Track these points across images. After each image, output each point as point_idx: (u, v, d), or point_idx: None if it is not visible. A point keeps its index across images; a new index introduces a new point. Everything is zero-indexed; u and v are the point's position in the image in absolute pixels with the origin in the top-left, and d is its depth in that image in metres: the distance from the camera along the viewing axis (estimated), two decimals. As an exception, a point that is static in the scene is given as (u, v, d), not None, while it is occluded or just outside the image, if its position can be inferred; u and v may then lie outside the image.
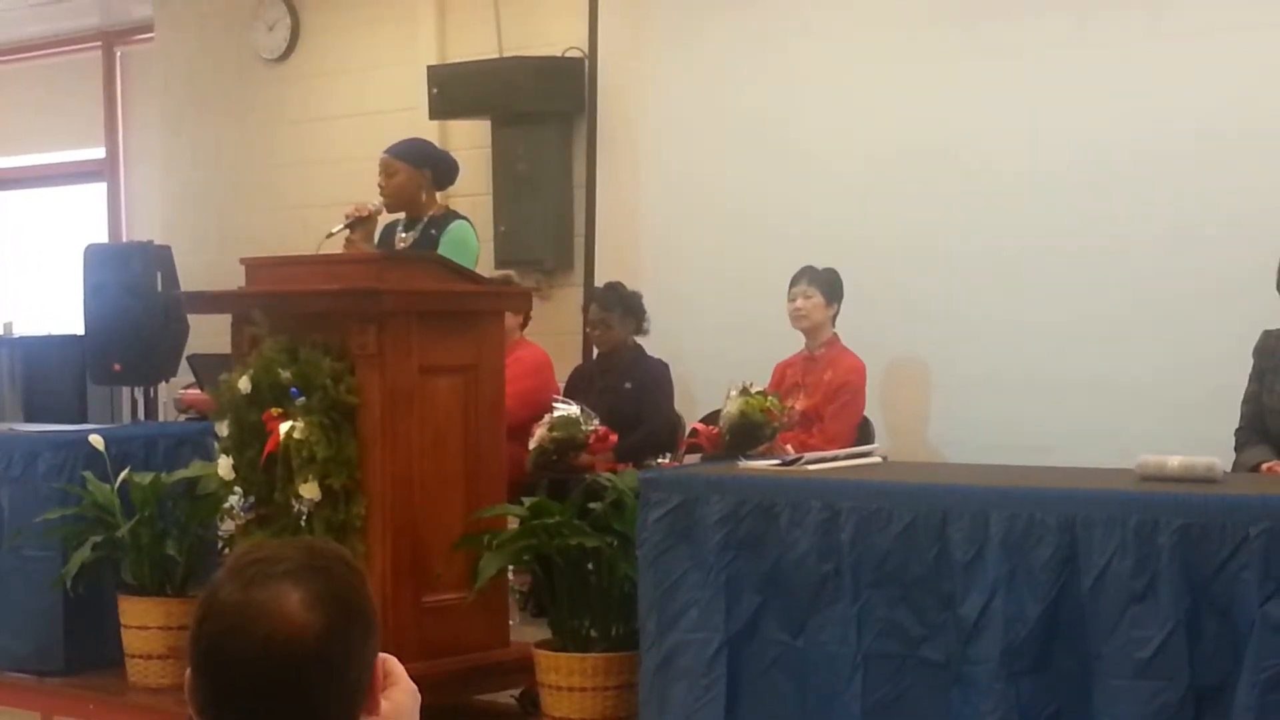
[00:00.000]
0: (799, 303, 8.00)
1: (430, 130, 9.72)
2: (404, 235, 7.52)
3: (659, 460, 7.62)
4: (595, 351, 9.03)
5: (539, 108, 9.96)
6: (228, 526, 7.04)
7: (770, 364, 8.13)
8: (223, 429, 6.67)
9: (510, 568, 6.77)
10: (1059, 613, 4.92)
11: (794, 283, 8.03)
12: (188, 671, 2.11)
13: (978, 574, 5.04)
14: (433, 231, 7.42)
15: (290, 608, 2.05)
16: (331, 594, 2.08)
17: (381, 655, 2.18)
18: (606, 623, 6.29)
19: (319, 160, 11.18)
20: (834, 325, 8.05)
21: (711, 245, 9.23)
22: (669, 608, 5.69)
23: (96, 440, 7.65)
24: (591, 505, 6.37)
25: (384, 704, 2.18)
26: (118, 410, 11.70)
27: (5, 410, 11.66)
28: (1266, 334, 6.57)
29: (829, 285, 8.02)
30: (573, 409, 7.98)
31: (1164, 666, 4.71)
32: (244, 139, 11.73)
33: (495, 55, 10.20)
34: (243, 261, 7.07)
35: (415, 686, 2.25)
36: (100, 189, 13.34)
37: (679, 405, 8.64)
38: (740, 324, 8.73)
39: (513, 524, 6.61)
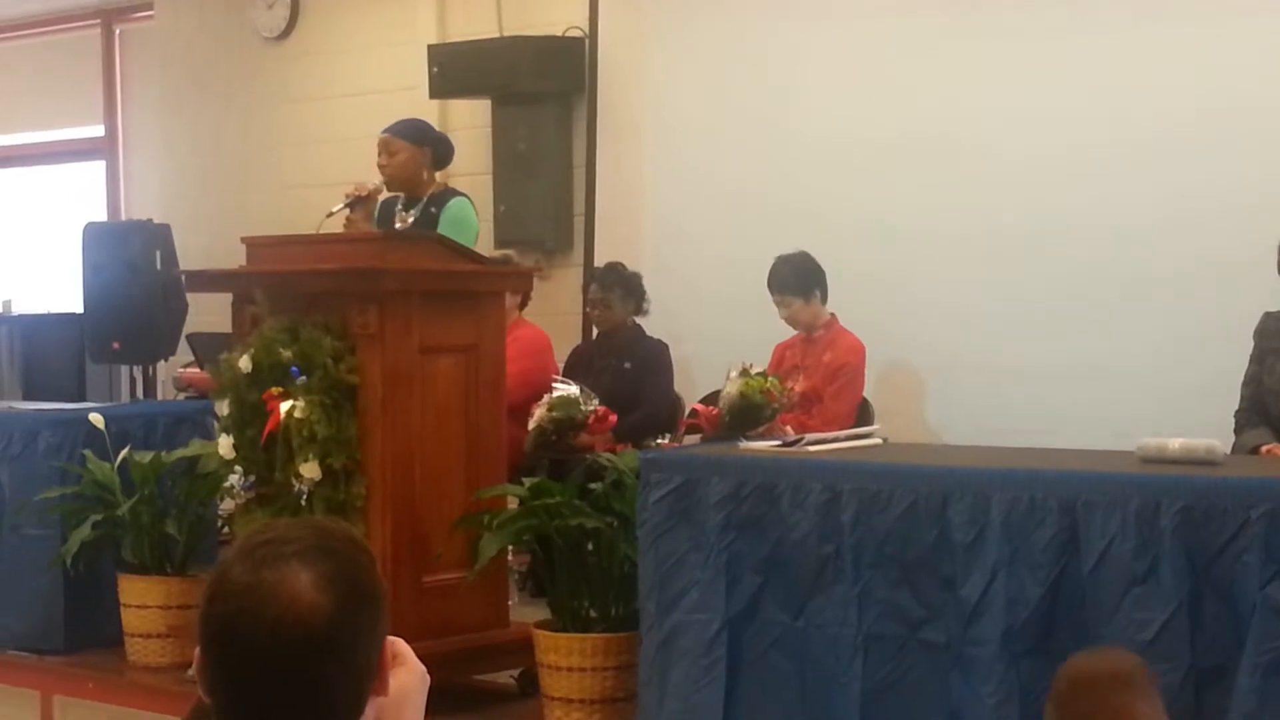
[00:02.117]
0: (782, 312, 8.01)
1: (430, 109, 9.72)
2: (404, 214, 7.52)
3: (658, 441, 7.62)
4: (595, 332, 9.03)
5: (539, 87, 9.95)
6: (228, 505, 7.05)
7: (769, 345, 8.13)
8: (223, 408, 6.67)
9: (509, 548, 6.77)
10: (1060, 595, 4.92)
11: (770, 291, 8.01)
12: (197, 651, 2.12)
13: (979, 556, 5.04)
14: (433, 209, 7.42)
15: (301, 589, 2.05)
16: (342, 576, 2.09)
17: (389, 637, 2.19)
18: (606, 603, 6.30)
19: (319, 139, 11.17)
20: (825, 306, 8.02)
21: (711, 226, 9.23)
22: (669, 588, 5.69)
23: (96, 419, 7.66)
24: (591, 486, 6.38)
25: (391, 684, 2.18)
26: (116, 389, 11.70)
27: (4, 388, 11.66)
28: (1267, 315, 6.57)
29: (800, 283, 7.94)
30: (572, 389, 7.97)
31: (1165, 648, 4.70)
32: (243, 118, 11.72)
33: (496, 35, 10.18)
34: (244, 241, 7.07)
35: (424, 668, 2.26)
36: (99, 167, 13.34)
37: (678, 386, 8.64)
38: (740, 305, 8.72)
39: (513, 504, 6.61)
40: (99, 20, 13.18)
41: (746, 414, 7.44)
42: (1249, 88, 7.67)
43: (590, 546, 6.31)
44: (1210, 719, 4.68)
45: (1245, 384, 6.55)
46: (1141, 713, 3.56)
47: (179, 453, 7.51)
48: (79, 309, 11.33)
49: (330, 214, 7.34)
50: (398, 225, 7.44)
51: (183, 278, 8.87)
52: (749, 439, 6.47)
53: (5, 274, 13.89)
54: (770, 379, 7.58)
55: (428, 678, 2.26)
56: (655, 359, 8.55)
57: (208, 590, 2.11)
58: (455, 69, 10.04)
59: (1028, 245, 8.16)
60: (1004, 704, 4.96)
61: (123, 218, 12.64)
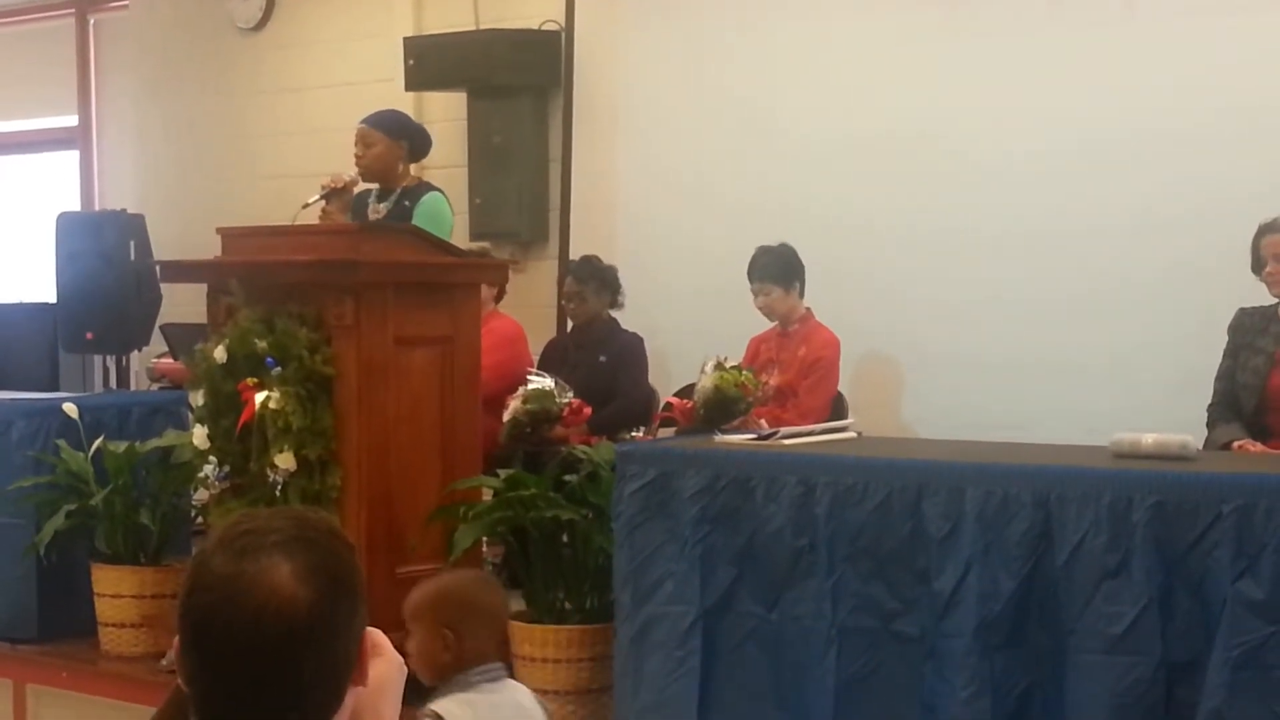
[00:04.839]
0: (759, 301, 8.01)
1: (406, 102, 9.71)
2: (378, 206, 7.52)
3: (633, 434, 7.63)
4: (570, 325, 9.03)
5: (515, 80, 9.94)
6: (202, 496, 7.04)
7: (744, 338, 8.14)
8: (198, 398, 6.67)
9: (484, 539, 6.78)
10: (1033, 588, 4.95)
11: (750, 279, 8.02)
12: (176, 640, 2.12)
13: (952, 549, 5.06)
14: (406, 203, 7.42)
15: (281, 580, 2.05)
16: (322, 567, 2.08)
17: (368, 628, 2.19)
18: (581, 595, 6.31)
19: (294, 130, 11.16)
20: (803, 299, 8.03)
21: (687, 220, 9.24)
22: (644, 580, 5.70)
23: (70, 408, 7.64)
24: (567, 478, 6.38)
25: (370, 675, 2.19)
26: (89, 379, 11.66)
27: (-23, 378, 11.62)
28: (1241, 311, 6.61)
29: (781, 272, 7.97)
30: (547, 382, 7.97)
31: (1137, 642, 4.74)
32: (219, 108, 11.69)
33: (472, 27, 10.18)
34: (219, 231, 7.06)
35: (401, 659, 2.26)
36: (73, 157, 13.28)
37: (653, 379, 8.64)
38: (715, 298, 8.73)
39: (487, 496, 6.62)
40: (73, 9, 13.13)
41: (721, 407, 7.44)
42: (1224, 87, 7.69)
43: (565, 538, 6.32)
44: (1180, 713, 4.71)
45: (1218, 379, 6.59)
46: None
47: (153, 443, 7.49)
48: (52, 299, 11.29)
49: (306, 205, 7.34)
50: (371, 217, 7.45)
51: (157, 268, 8.85)
52: (724, 432, 6.49)
53: (-22, 263, 13.85)
54: (745, 373, 7.59)
55: (405, 669, 2.27)
56: (630, 352, 8.55)
57: (187, 580, 2.10)
58: (431, 61, 10.03)
59: (1003, 241, 8.17)
60: (977, 696, 4.99)
61: (97, 208, 12.60)
